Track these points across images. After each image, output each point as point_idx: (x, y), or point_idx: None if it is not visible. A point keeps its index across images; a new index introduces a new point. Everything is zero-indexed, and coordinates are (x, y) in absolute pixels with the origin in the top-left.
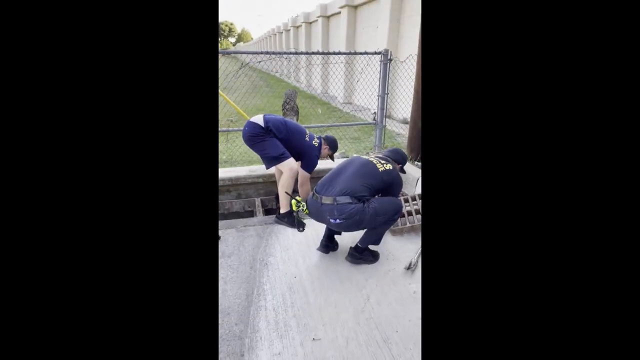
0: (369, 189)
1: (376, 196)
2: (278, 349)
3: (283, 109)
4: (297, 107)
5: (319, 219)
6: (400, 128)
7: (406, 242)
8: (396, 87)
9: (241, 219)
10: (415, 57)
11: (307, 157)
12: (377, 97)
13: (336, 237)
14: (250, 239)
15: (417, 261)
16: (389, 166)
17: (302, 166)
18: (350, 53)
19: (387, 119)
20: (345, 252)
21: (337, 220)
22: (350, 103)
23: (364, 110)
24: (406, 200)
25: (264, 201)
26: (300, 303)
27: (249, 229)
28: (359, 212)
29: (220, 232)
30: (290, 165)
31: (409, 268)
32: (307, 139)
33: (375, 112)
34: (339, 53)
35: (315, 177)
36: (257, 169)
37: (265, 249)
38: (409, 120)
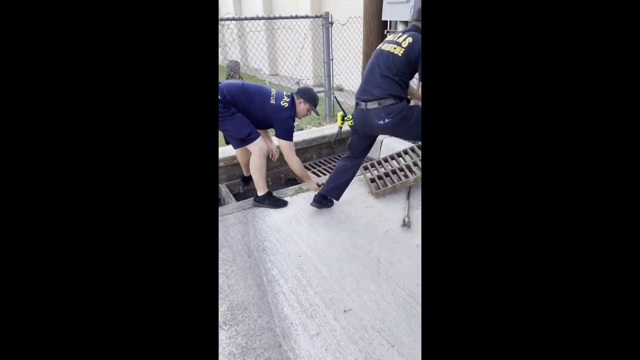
0: (403, 79)
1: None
2: (314, 330)
3: None
4: (242, 79)
5: (365, 126)
6: (343, 96)
7: (391, 202)
8: (335, 53)
9: None
10: (357, 19)
11: (277, 123)
12: (322, 64)
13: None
14: (234, 227)
15: (409, 217)
16: (407, 41)
17: (278, 135)
18: (290, 17)
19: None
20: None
21: (385, 121)
22: (278, 74)
23: (292, 81)
24: (372, 165)
25: (229, 186)
26: (316, 280)
27: (229, 217)
28: (405, 109)
29: None
30: (259, 145)
31: (404, 225)
32: (272, 101)
33: (298, 82)
34: (279, 18)
35: (300, 148)
36: None
37: (256, 234)
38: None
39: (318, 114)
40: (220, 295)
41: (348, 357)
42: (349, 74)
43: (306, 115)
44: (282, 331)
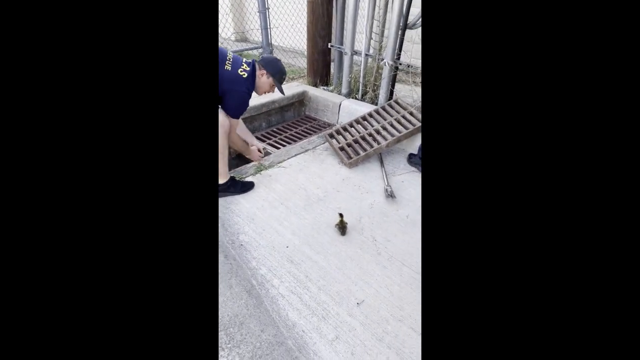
0: None
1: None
2: (332, 333)
3: None
4: None
5: None
6: (285, 55)
7: (365, 171)
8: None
9: None
10: None
11: (231, 95)
12: (257, 14)
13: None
14: None
15: (390, 186)
16: None
17: (227, 109)
18: None
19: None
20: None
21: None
22: None
23: None
24: (337, 132)
25: None
26: (315, 272)
27: None
28: None
29: None
30: (219, 120)
31: (388, 195)
32: (227, 66)
33: (271, 46)
34: None
35: (247, 117)
36: None
37: (226, 228)
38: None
39: (283, 94)
40: None
41: (379, 358)
42: (287, 27)
43: (268, 92)
44: (295, 343)
